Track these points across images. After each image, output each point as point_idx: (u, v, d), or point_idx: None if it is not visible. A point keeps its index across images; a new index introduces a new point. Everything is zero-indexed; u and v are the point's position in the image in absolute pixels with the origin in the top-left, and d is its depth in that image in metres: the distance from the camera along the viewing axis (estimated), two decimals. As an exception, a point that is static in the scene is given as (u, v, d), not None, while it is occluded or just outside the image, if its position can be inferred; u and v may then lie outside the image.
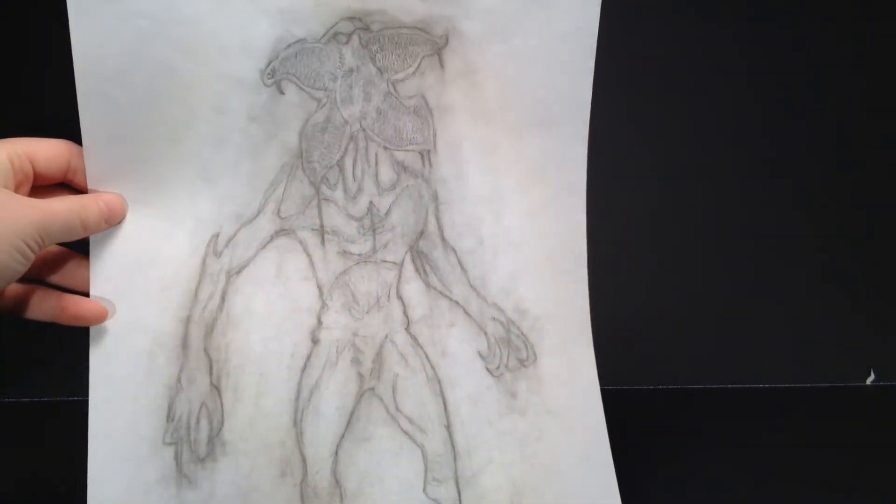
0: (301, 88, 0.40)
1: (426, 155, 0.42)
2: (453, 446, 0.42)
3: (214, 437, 0.39)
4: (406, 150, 0.42)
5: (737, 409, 0.57)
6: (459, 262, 0.42)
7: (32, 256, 0.35)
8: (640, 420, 0.55)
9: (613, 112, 0.56)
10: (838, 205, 0.58)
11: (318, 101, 0.41)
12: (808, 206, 0.58)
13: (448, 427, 0.42)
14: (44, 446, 0.52)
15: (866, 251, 0.59)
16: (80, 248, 0.40)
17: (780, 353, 0.60)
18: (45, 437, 0.53)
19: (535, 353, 0.43)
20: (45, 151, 0.38)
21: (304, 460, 0.40)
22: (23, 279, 0.40)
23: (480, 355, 0.43)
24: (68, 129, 0.38)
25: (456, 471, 0.42)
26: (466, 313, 0.43)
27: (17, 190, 0.37)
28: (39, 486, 0.47)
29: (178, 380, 0.39)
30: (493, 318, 0.43)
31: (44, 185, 0.39)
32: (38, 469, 0.49)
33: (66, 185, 0.39)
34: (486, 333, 0.43)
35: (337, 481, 0.41)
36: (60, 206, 0.36)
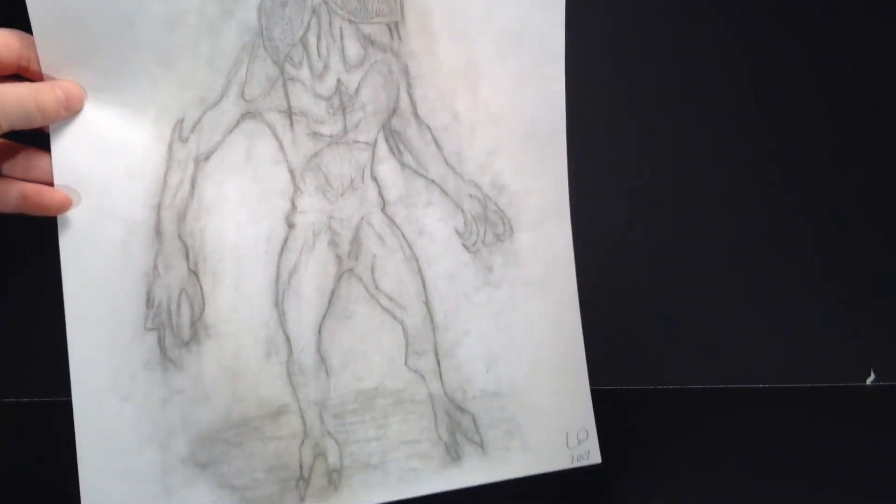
0: None
1: (394, 27, 0.41)
2: (432, 320, 0.44)
3: (197, 321, 0.41)
4: (372, 23, 0.41)
5: (737, 409, 0.59)
6: (434, 140, 0.43)
7: None
8: (640, 420, 0.57)
9: (608, 105, 0.54)
10: (838, 204, 0.59)
11: (275, -28, 0.40)
12: (808, 206, 0.59)
13: (426, 303, 0.44)
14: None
15: (866, 251, 0.60)
16: (43, 146, 0.40)
17: (780, 353, 0.61)
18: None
19: (511, 228, 0.44)
20: None
21: (288, 340, 0.43)
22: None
23: (457, 232, 0.44)
24: (19, 22, 0.38)
25: (435, 343, 0.44)
26: (443, 191, 0.44)
27: None
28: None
29: (155, 266, 0.41)
30: (470, 195, 0.44)
31: None
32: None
33: (22, 78, 0.39)
34: (462, 210, 0.44)
35: (322, 358, 0.43)
36: (14, 89, 0.36)
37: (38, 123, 0.38)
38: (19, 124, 0.37)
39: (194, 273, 0.41)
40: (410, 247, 0.44)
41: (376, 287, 0.44)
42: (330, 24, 0.41)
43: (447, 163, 0.43)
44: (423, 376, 0.44)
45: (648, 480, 0.51)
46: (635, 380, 0.60)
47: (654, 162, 0.52)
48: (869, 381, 0.61)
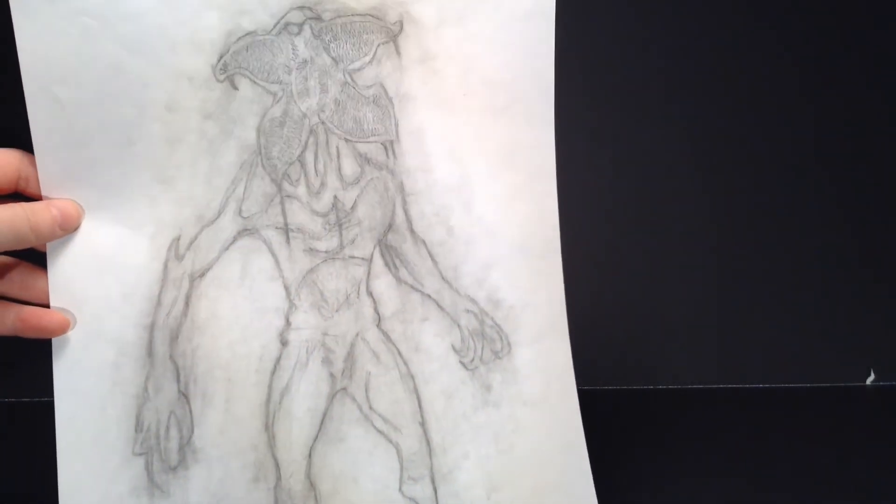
0: (255, 83, 0.43)
1: (389, 146, 0.45)
2: (428, 443, 0.45)
3: (185, 445, 0.42)
4: (368, 142, 0.45)
5: (736, 409, 0.60)
6: (430, 255, 0.45)
7: None
8: (639, 420, 0.58)
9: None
10: (838, 204, 0.62)
11: (274, 94, 0.43)
12: (808, 206, 0.61)
13: (423, 424, 0.45)
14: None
15: (866, 251, 0.62)
16: (39, 262, 0.42)
17: (780, 353, 0.63)
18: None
19: (509, 344, 0.46)
20: None
21: (277, 464, 0.44)
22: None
23: (454, 349, 0.46)
24: (20, 141, 0.41)
25: (431, 468, 0.45)
26: (439, 306, 0.46)
27: None
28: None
29: (145, 388, 0.42)
30: (467, 310, 0.46)
31: None
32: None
33: (21, 196, 0.42)
34: (459, 326, 0.46)
35: (311, 484, 0.44)
36: (6, 212, 0.38)
37: (32, 244, 0.40)
38: (11, 246, 0.39)
39: (184, 395, 0.43)
40: (406, 364, 0.46)
41: (370, 407, 0.45)
42: (327, 142, 0.44)
43: (443, 277, 0.46)
44: None
45: (646, 481, 0.51)
46: (634, 380, 0.60)
47: (653, 161, 0.54)
48: (869, 381, 0.63)
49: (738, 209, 0.61)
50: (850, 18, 0.58)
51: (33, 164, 0.41)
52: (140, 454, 0.42)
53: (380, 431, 0.45)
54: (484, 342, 0.46)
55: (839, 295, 0.62)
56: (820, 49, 0.60)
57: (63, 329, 0.41)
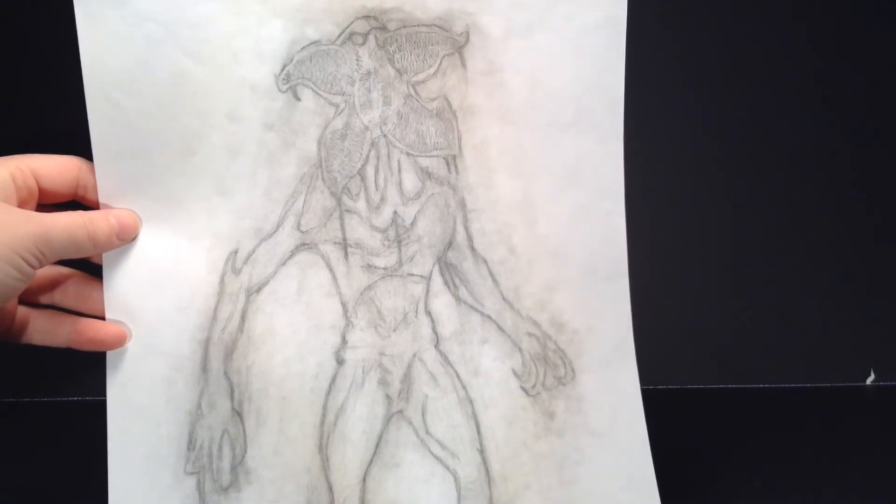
0: (318, 93, 0.43)
1: (451, 160, 0.44)
2: (487, 472, 0.44)
3: (238, 465, 0.42)
4: (430, 156, 0.44)
5: (736, 408, 0.60)
6: (491, 274, 0.45)
7: (31, 271, 0.37)
8: None
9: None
10: (838, 204, 0.62)
11: (336, 106, 0.43)
12: (808, 206, 0.61)
13: (482, 451, 0.44)
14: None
15: (866, 251, 0.62)
16: (95, 274, 0.42)
17: (780, 353, 0.63)
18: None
19: (573, 370, 0.45)
20: (51, 167, 0.41)
21: (330, 488, 0.43)
22: (36, 305, 0.42)
23: (515, 373, 0.45)
24: (81, 147, 0.41)
25: (491, 498, 0.44)
26: (500, 328, 0.45)
27: (19, 206, 0.39)
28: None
29: (199, 406, 0.42)
30: (529, 333, 0.45)
31: (53, 204, 0.41)
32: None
33: (79, 204, 0.42)
34: (520, 350, 0.45)
35: (366, 510, 0.43)
36: (64, 220, 0.39)
37: (89, 253, 0.40)
38: (69, 254, 0.39)
39: (238, 413, 0.42)
40: (465, 388, 0.45)
41: (427, 431, 0.44)
42: (388, 156, 0.44)
43: (504, 298, 0.45)
44: (476, 536, 0.44)
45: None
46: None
47: (652, 161, 0.54)
48: (869, 381, 0.63)
49: (737, 209, 0.61)
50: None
51: (92, 172, 0.41)
52: (192, 473, 0.41)
53: (437, 458, 0.44)
54: (546, 367, 0.45)
55: (839, 295, 0.62)
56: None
57: (119, 342, 0.41)
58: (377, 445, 0.43)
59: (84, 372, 0.56)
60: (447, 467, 0.44)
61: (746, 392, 0.62)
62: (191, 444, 0.42)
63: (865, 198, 0.62)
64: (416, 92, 0.44)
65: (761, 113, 0.60)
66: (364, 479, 0.43)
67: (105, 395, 0.41)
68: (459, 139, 0.44)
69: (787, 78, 0.60)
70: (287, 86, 0.42)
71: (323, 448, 0.43)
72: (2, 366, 0.57)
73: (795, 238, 0.62)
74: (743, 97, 0.60)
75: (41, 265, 0.38)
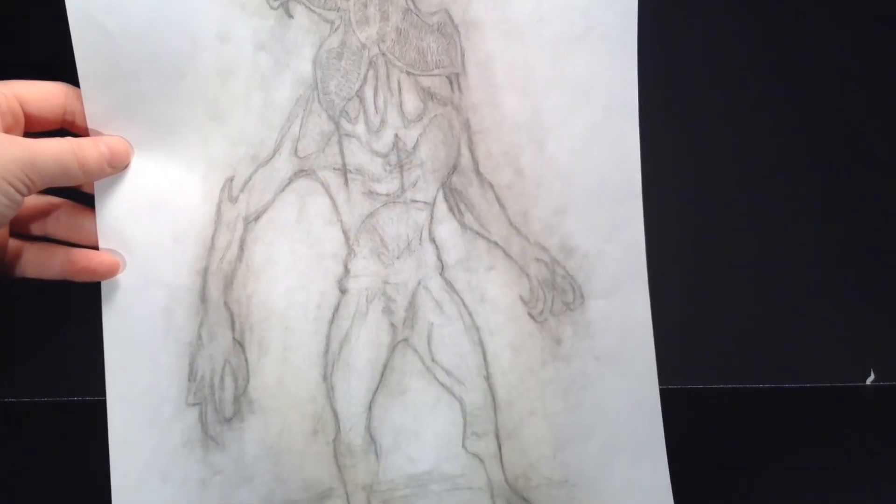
0: (311, 10, 0.41)
1: (454, 79, 0.42)
2: (493, 398, 0.44)
3: (240, 396, 0.42)
4: (432, 75, 0.42)
5: (736, 409, 0.61)
6: (497, 199, 0.43)
7: (19, 198, 0.36)
8: None
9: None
10: (838, 204, 0.61)
11: (331, 23, 0.41)
12: (808, 206, 0.61)
13: (488, 378, 0.44)
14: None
15: (866, 251, 0.62)
16: (89, 203, 0.41)
17: (780, 354, 0.63)
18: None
19: (582, 295, 0.44)
20: (37, 92, 0.39)
21: (336, 416, 0.43)
22: (28, 236, 0.42)
23: (522, 300, 0.44)
24: (66, 73, 0.40)
25: (496, 423, 0.44)
26: (506, 254, 0.44)
27: (5, 132, 0.38)
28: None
29: (199, 336, 0.42)
30: (536, 259, 0.44)
31: (42, 132, 0.40)
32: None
33: (68, 133, 0.41)
34: (528, 276, 0.44)
35: (371, 438, 0.43)
36: (52, 145, 0.38)
37: (79, 181, 0.39)
38: (57, 181, 0.38)
39: (239, 343, 0.42)
40: (471, 315, 0.44)
41: (433, 359, 0.44)
42: (388, 76, 0.42)
43: (511, 223, 0.44)
44: (482, 461, 0.44)
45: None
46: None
47: (651, 160, 0.54)
48: (869, 381, 0.64)
49: (737, 209, 0.61)
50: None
51: (80, 98, 0.39)
52: (194, 404, 0.41)
53: (443, 385, 0.44)
54: (554, 293, 0.44)
55: (839, 295, 0.63)
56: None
57: (112, 271, 0.40)
58: (382, 373, 0.43)
59: (84, 372, 0.57)
60: (453, 394, 0.44)
61: (746, 392, 0.63)
62: (191, 375, 0.41)
63: (866, 198, 0.62)
64: (415, 6, 0.42)
65: (765, 110, 0.60)
66: (370, 407, 0.43)
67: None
68: (462, 56, 0.42)
69: (799, 73, 0.60)
70: (278, 2, 0.40)
71: (328, 377, 0.43)
72: (2, 366, 0.58)
73: (795, 238, 0.62)
74: (741, 97, 0.60)
75: (29, 192, 0.37)
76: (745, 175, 0.61)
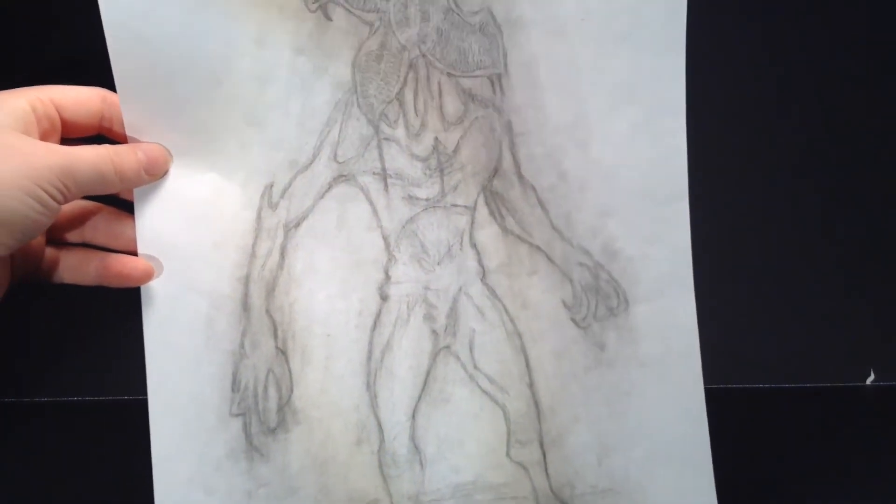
0: (350, 12, 0.40)
1: (496, 80, 0.42)
2: (537, 405, 0.43)
3: (284, 406, 0.41)
4: (473, 76, 0.42)
5: (736, 409, 0.60)
6: (539, 202, 0.43)
7: (55, 206, 0.36)
8: None
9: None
10: (838, 204, 0.61)
11: (371, 25, 0.40)
12: (808, 205, 0.61)
13: (531, 385, 0.43)
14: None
15: (866, 251, 0.62)
16: (129, 210, 0.41)
17: (780, 354, 0.63)
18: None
19: (626, 300, 0.43)
20: (74, 98, 0.39)
21: (380, 426, 0.42)
22: (66, 243, 0.41)
23: (565, 305, 0.43)
24: (102, 79, 0.39)
25: (540, 431, 0.43)
26: (549, 259, 0.43)
27: (41, 139, 0.37)
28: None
29: (242, 345, 0.41)
30: (580, 263, 0.43)
31: (79, 138, 0.40)
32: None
33: (106, 140, 0.40)
34: (571, 281, 0.43)
35: (416, 447, 0.43)
36: (89, 153, 0.37)
37: (116, 188, 0.39)
38: (95, 189, 0.38)
39: (282, 352, 0.42)
40: (513, 321, 0.43)
41: (475, 366, 0.43)
42: (428, 78, 0.41)
43: (554, 227, 0.43)
44: (526, 469, 0.43)
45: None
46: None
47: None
48: (869, 381, 0.64)
49: (737, 209, 0.61)
50: None
51: (117, 104, 0.39)
52: (237, 415, 0.41)
53: (486, 392, 0.43)
54: (598, 298, 0.43)
55: (839, 295, 0.62)
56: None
57: (147, 277, 0.40)
58: (425, 381, 0.43)
59: (87, 372, 0.57)
60: (496, 401, 0.43)
61: (746, 392, 0.63)
62: (235, 384, 0.41)
63: (866, 198, 0.61)
64: (456, 5, 0.41)
65: (763, 110, 0.59)
66: (413, 416, 0.43)
67: (108, 396, 0.40)
68: (505, 56, 0.41)
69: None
70: (316, 4, 0.40)
71: (371, 385, 0.42)
72: (3, 366, 0.58)
73: (795, 238, 0.61)
74: (739, 98, 0.59)
75: (66, 200, 0.37)
76: (744, 175, 0.60)
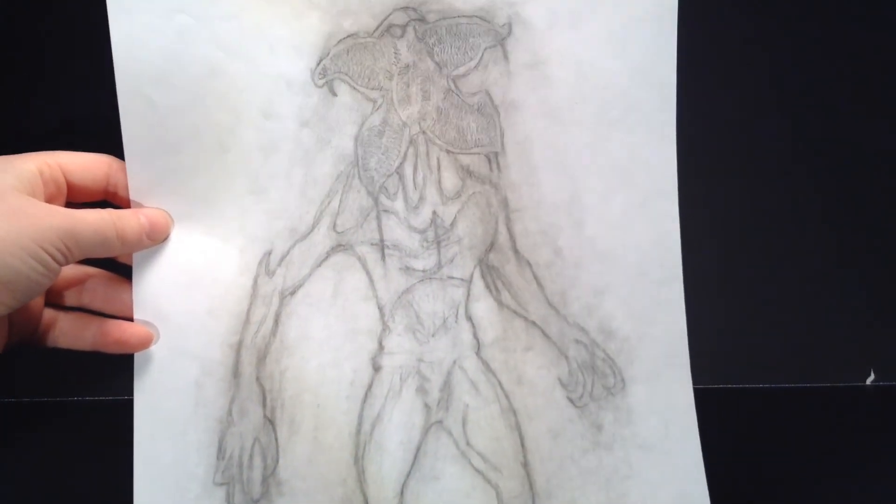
0: (355, 88, 0.42)
1: (493, 157, 0.43)
2: (531, 487, 0.42)
3: (269, 476, 0.40)
4: (471, 153, 0.43)
5: (736, 409, 0.60)
6: (535, 277, 0.43)
7: (56, 267, 0.36)
8: None
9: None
10: (838, 204, 0.61)
11: (374, 101, 0.42)
12: (808, 205, 0.61)
13: (525, 465, 0.42)
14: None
15: (866, 251, 0.62)
16: (126, 274, 0.41)
17: (780, 353, 0.63)
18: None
19: (623, 380, 0.43)
20: (81, 163, 0.40)
21: (366, 501, 0.41)
22: (63, 307, 0.41)
23: (561, 383, 0.43)
24: (112, 146, 0.40)
25: None
26: (545, 335, 0.43)
27: (47, 202, 0.38)
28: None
29: (229, 412, 0.40)
30: (576, 340, 0.43)
31: (84, 202, 0.40)
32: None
33: (110, 205, 0.41)
34: (567, 358, 0.43)
35: (404, 525, 0.41)
36: (92, 216, 0.38)
37: (118, 252, 0.39)
38: (97, 252, 0.38)
39: (270, 421, 0.41)
40: (508, 397, 0.43)
41: (468, 443, 0.42)
42: (427, 154, 0.42)
43: (549, 303, 0.43)
44: (519, 553, 0.42)
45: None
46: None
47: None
48: (869, 381, 0.63)
49: (736, 209, 0.61)
50: None
51: (123, 170, 0.40)
52: (221, 484, 0.40)
53: (478, 471, 0.42)
54: (594, 377, 0.43)
55: (839, 295, 0.62)
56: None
57: (145, 343, 0.40)
58: (415, 457, 0.42)
59: (86, 372, 0.56)
60: (489, 481, 0.42)
61: (746, 392, 0.62)
62: (220, 452, 0.40)
63: (866, 198, 0.62)
64: (456, 86, 0.42)
65: (766, 110, 0.60)
66: (402, 493, 0.41)
67: (115, 396, 0.40)
68: (502, 135, 0.42)
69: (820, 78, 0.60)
70: (323, 80, 0.41)
71: (359, 459, 0.41)
72: (4, 366, 0.58)
73: (795, 238, 0.62)
74: (739, 99, 0.60)
75: (67, 262, 0.37)
76: (745, 175, 0.60)
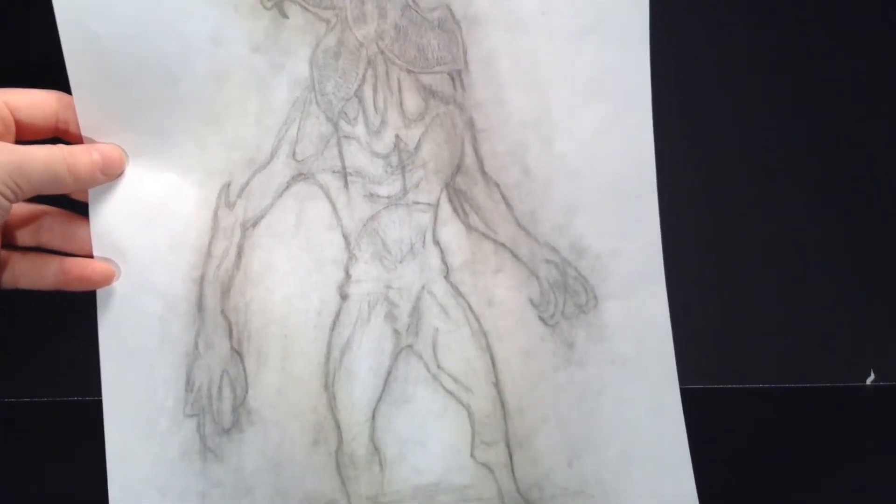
0: (306, 9, 0.40)
1: (457, 76, 0.41)
2: (503, 405, 0.43)
3: (239, 406, 0.41)
4: (433, 72, 0.41)
5: (736, 409, 0.61)
6: (504, 198, 0.42)
7: (7, 204, 0.36)
8: None
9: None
10: (838, 204, 0.62)
11: (327, 22, 0.40)
12: (808, 205, 0.61)
13: (497, 384, 0.43)
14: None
15: (866, 251, 0.62)
16: (81, 212, 0.41)
17: (780, 353, 0.63)
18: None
19: (595, 297, 0.43)
20: (29, 100, 0.39)
21: (338, 426, 0.42)
22: (20, 247, 0.41)
23: (532, 303, 0.43)
24: (57, 81, 0.39)
25: (507, 432, 0.43)
26: (514, 256, 0.42)
27: None
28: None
29: (196, 346, 0.41)
30: (546, 260, 0.42)
31: (35, 140, 0.40)
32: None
33: (62, 142, 0.40)
34: (537, 278, 0.43)
35: (376, 448, 0.42)
36: (42, 151, 0.37)
37: (70, 188, 0.39)
38: (47, 188, 0.38)
39: (237, 352, 0.41)
40: (478, 320, 0.43)
41: (438, 366, 0.43)
42: (387, 75, 0.41)
43: (519, 224, 0.42)
44: (491, 470, 0.43)
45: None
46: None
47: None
48: (869, 381, 0.64)
49: (736, 208, 0.61)
50: None
51: (72, 106, 0.39)
52: (191, 416, 0.41)
53: (449, 392, 0.43)
54: (566, 295, 0.43)
55: (839, 295, 0.63)
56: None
57: (107, 280, 0.40)
58: (385, 382, 0.42)
59: (83, 372, 0.57)
60: (460, 402, 0.43)
61: (746, 392, 0.63)
62: (189, 385, 0.41)
63: (866, 197, 0.62)
64: (414, 1, 0.40)
65: (766, 109, 0.60)
66: (373, 417, 0.42)
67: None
68: (465, 52, 0.41)
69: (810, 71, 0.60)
70: (272, 2, 0.40)
71: (329, 386, 0.42)
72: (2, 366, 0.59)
73: (795, 238, 0.62)
74: (746, 95, 0.60)
75: (17, 198, 0.37)
76: (744, 175, 0.60)
